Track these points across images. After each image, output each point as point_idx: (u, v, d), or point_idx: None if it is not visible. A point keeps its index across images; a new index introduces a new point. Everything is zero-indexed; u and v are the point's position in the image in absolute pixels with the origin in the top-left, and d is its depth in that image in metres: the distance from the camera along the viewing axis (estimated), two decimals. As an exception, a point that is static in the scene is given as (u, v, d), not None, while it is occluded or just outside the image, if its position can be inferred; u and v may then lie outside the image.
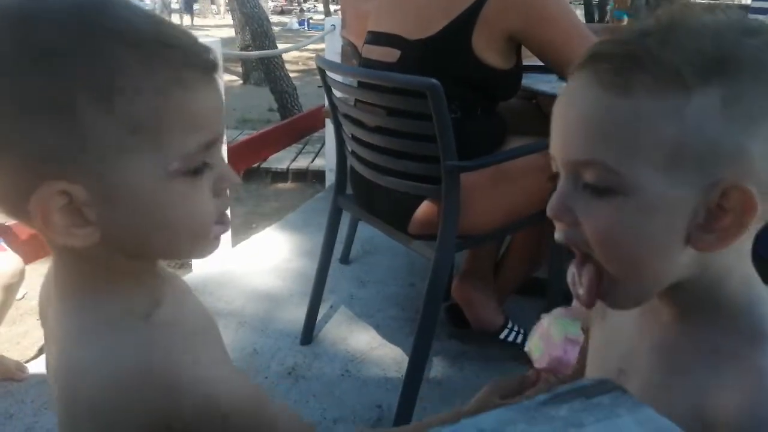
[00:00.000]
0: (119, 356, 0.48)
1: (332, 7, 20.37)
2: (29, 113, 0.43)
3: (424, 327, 1.43)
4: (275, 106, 5.86)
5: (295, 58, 9.66)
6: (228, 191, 0.53)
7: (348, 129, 1.60)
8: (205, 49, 0.49)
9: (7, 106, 0.43)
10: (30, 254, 1.73)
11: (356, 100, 1.56)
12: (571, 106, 0.50)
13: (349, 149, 1.63)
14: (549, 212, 0.52)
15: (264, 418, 0.60)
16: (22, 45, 0.42)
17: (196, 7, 18.90)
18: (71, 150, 0.44)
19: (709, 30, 0.46)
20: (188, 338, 0.53)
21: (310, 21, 17.19)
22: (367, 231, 2.37)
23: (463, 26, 1.34)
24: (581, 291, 0.54)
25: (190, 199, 0.49)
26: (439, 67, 1.35)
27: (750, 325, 0.49)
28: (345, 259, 2.35)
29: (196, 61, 0.47)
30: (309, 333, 1.83)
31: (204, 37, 2.21)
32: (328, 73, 1.61)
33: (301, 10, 20.20)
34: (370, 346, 1.81)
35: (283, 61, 5.73)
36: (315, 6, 25.00)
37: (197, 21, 17.82)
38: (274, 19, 18.31)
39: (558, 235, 0.53)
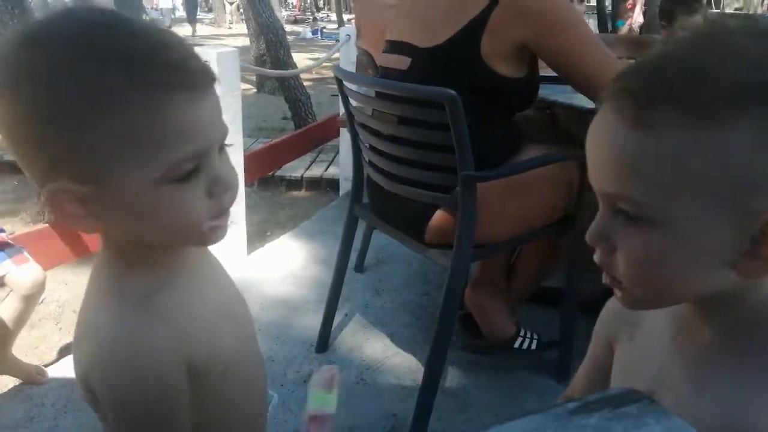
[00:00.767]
0: (107, 333, 0.56)
1: (345, 17, 20.53)
2: (44, 123, 0.50)
3: (440, 337, 1.43)
4: (289, 114, 5.90)
5: (305, 67, 9.72)
6: (226, 193, 0.57)
7: (365, 138, 1.61)
8: (200, 68, 0.53)
9: (28, 115, 0.50)
10: (47, 261, 1.76)
11: (374, 110, 1.58)
12: (599, 140, 0.50)
13: (366, 158, 1.65)
14: (588, 239, 0.53)
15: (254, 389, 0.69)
16: (38, 64, 0.49)
17: (210, 16, 19.10)
18: (73, 155, 0.51)
19: (741, 54, 0.44)
20: (185, 319, 0.59)
21: (324, 30, 17.31)
22: (381, 239, 2.39)
23: (471, 34, 1.34)
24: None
25: (177, 203, 0.53)
26: (448, 75, 1.36)
27: None
28: (359, 268, 2.36)
29: (186, 80, 0.52)
30: (324, 341, 1.84)
31: (220, 47, 2.24)
32: (345, 82, 1.63)
33: (314, 20, 20.36)
34: (384, 355, 1.82)
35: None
36: (328, 15, 25.19)
37: (211, 30, 18.00)
38: (287, 28, 18.34)
39: (596, 257, 0.54)
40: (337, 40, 3.32)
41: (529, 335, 1.74)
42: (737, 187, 0.44)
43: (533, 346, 1.72)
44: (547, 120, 2.03)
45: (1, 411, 1.57)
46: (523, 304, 1.83)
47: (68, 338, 2.16)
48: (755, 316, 0.51)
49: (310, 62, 6.99)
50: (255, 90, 8.37)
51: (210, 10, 20.80)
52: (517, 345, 1.74)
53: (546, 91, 1.72)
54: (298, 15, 23.17)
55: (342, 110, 3.32)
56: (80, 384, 0.57)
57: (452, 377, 1.70)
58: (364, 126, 1.60)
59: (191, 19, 17.46)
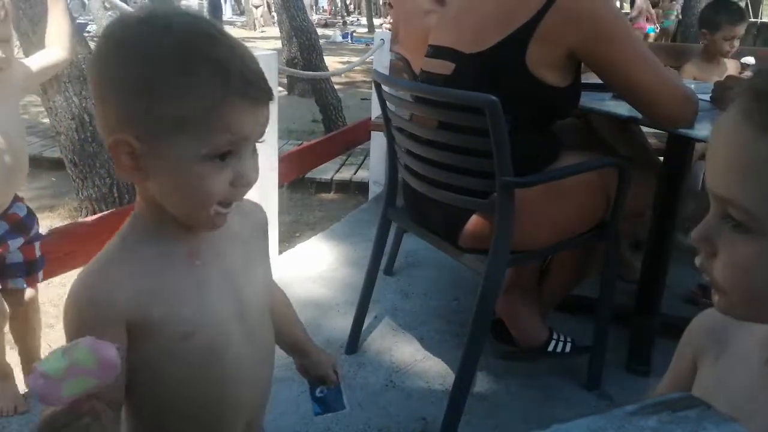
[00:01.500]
0: (86, 266, 0.68)
1: (376, 21, 20.62)
2: (138, 89, 0.62)
3: (472, 342, 1.44)
4: (319, 117, 5.96)
5: (338, 70, 9.79)
6: (245, 187, 0.67)
7: (401, 142, 1.63)
8: (266, 88, 0.65)
9: (127, 80, 0.63)
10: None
11: (412, 114, 1.59)
12: (720, 140, 0.50)
13: (402, 162, 1.66)
14: (692, 239, 0.52)
15: (225, 363, 0.73)
16: (153, 45, 0.62)
17: (242, 19, 19.37)
18: (142, 118, 0.62)
19: None
20: (146, 277, 0.68)
21: (354, 34, 17.41)
22: (411, 243, 2.40)
23: (518, 42, 1.35)
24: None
25: (208, 178, 0.64)
26: (492, 81, 1.37)
27: None
28: (389, 271, 2.37)
29: (253, 94, 0.64)
30: (354, 342, 1.85)
31: (254, 50, 2.28)
32: (383, 87, 1.65)
33: (345, 23, 20.47)
34: (414, 358, 1.83)
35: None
36: (358, 19, 25.34)
37: (243, 33, 18.24)
38: (317, 31, 18.59)
39: (697, 260, 0.53)
40: (367, 44, 3.35)
41: (562, 338, 1.74)
42: None
43: (567, 349, 1.71)
44: (583, 127, 2.02)
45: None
46: (551, 310, 1.82)
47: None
48: None
49: (341, 66, 7.05)
50: (286, 92, 8.47)
51: (242, 13, 21.08)
52: (550, 348, 1.73)
53: (584, 99, 1.72)
54: (329, 18, 23.35)
55: (374, 114, 3.38)
56: None
57: (482, 382, 1.70)
58: (400, 130, 1.61)
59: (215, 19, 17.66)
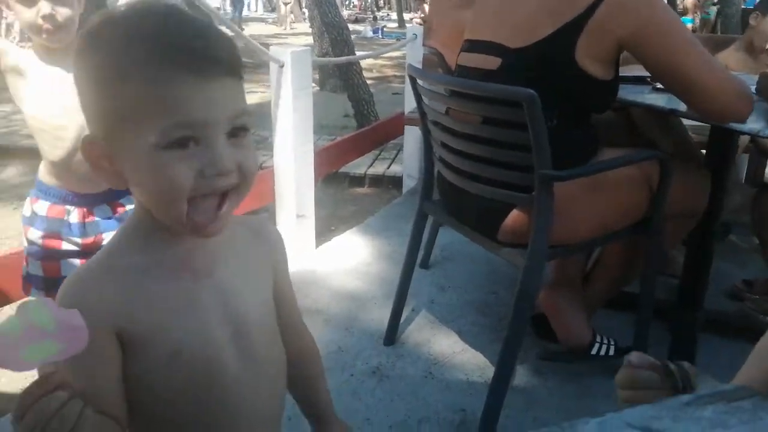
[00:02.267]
0: (75, 273, 0.66)
1: (406, 15, 20.54)
2: (92, 84, 0.61)
3: (512, 335, 1.44)
4: (351, 112, 5.99)
5: (369, 65, 9.82)
6: (220, 177, 0.61)
7: (437, 136, 1.63)
8: (212, 55, 0.59)
9: (88, 77, 0.61)
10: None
11: (448, 108, 1.60)
12: None
13: (438, 156, 1.67)
14: None
15: (217, 383, 0.69)
16: (102, 37, 0.60)
17: (273, 15, 19.53)
18: (101, 114, 0.61)
19: None
20: (133, 292, 0.64)
21: (384, 29, 17.39)
22: (446, 237, 2.41)
23: (567, 35, 1.34)
24: None
25: (165, 169, 0.59)
26: (539, 76, 1.36)
27: None
28: (425, 264, 2.38)
29: (191, 62, 0.58)
30: (392, 334, 1.88)
31: (285, 46, 2.31)
32: (419, 81, 1.65)
33: (375, 18, 20.46)
34: (452, 350, 1.84)
35: (361, 69, 5.86)
36: (389, 14, 25.29)
37: (274, 29, 18.38)
38: (348, 27, 18.61)
39: None
40: (398, 39, 3.35)
41: (606, 341, 1.71)
42: None
43: (611, 352, 1.69)
44: (622, 122, 1.99)
45: None
46: (598, 308, 1.80)
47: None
48: None
49: (372, 61, 7.06)
50: (317, 88, 8.52)
51: (273, 10, 21.26)
52: (594, 351, 1.70)
53: (622, 92, 1.70)
54: (359, 14, 23.37)
55: (407, 108, 3.38)
56: None
57: (521, 376, 1.70)
58: (436, 123, 1.62)
59: (236, 15, 17.84)
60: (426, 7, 3.96)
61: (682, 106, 1.46)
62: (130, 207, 1.48)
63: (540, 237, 1.37)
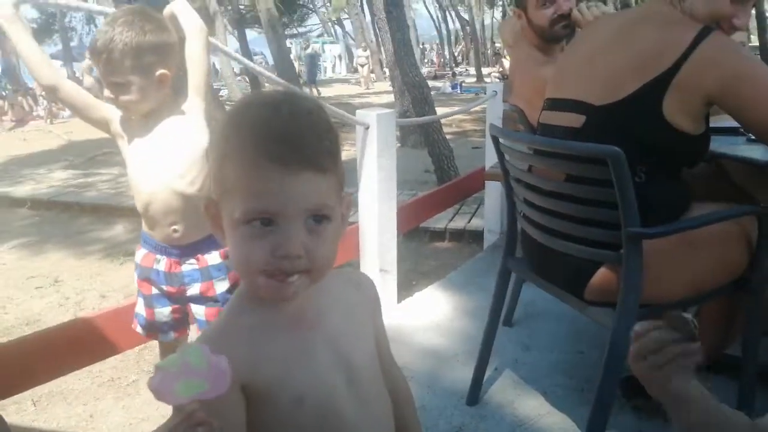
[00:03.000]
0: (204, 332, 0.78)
1: (484, 70, 20.84)
2: (210, 154, 0.73)
3: (601, 399, 1.39)
4: (431, 167, 6.08)
5: (449, 120, 9.97)
6: (285, 259, 0.66)
7: (520, 193, 1.64)
8: (298, 150, 0.65)
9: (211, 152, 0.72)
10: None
11: (530, 166, 1.61)
12: None
13: (521, 213, 1.67)
14: None
15: (336, 427, 0.73)
16: (222, 123, 0.71)
17: (357, 75, 20.40)
18: (214, 181, 0.70)
19: None
20: (254, 347, 0.70)
21: (463, 84, 17.68)
22: (529, 294, 2.36)
23: (654, 90, 1.33)
24: None
25: (243, 244, 0.66)
26: (626, 132, 1.36)
27: None
28: (508, 322, 2.34)
29: (276, 153, 0.64)
30: (475, 394, 1.84)
31: (369, 108, 2.41)
32: (501, 140, 1.68)
33: (453, 74, 20.85)
34: (537, 413, 1.78)
35: (441, 125, 5.97)
36: (467, 69, 25.74)
37: (357, 89, 19.14)
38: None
39: None
40: (477, 94, 3.42)
41: None
42: None
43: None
44: (715, 174, 1.92)
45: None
46: (700, 373, 1.70)
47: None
48: None
49: (457, 117, 7.18)
50: (399, 144, 8.73)
51: (356, 71, 22.24)
52: None
53: (714, 144, 1.65)
54: (438, 71, 23.92)
55: (488, 163, 3.41)
56: None
57: (612, 442, 1.62)
58: (518, 181, 1.63)
59: (311, 80, 18.57)
60: (504, 61, 4.01)
61: (779, 159, 1.41)
62: (211, 261, 1.58)
63: (630, 296, 1.33)
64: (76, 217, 5.79)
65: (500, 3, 27.77)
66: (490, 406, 1.83)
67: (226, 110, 0.73)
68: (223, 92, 14.01)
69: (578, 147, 1.37)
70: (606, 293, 1.41)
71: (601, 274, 1.41)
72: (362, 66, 20.91)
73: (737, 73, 1.31)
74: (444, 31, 32.89)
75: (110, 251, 4.55)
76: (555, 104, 1.56)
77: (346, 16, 27.49)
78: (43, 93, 14.18)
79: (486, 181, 3.46)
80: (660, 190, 1.41)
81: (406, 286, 3.25)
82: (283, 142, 0.64)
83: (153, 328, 1.65)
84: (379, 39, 8.74)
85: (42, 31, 27.24)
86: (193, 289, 1.58)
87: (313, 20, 35.48)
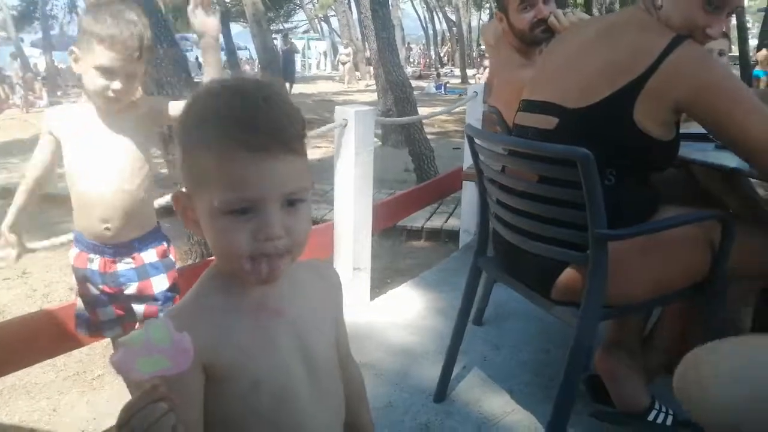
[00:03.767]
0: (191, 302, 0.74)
1: (469, 72, 20.91)
2: (179, 146, 0.71)
3: (563, 397, 1.41)
4: (411, 167, 6.10)
5: (431, 120, 10.01)
6: (268, 241, 0.67)
7: (493, 194, 1.66)
8: (273, 134, 0.66)
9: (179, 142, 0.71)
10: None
11: (504, 166, 1.62)
12: None
13: (493, 213, 1.68)
14: None
15: (290, 413, 0.74)
16: (187, 112, 0.71)
17: (340, 72, 20.32)
18: (184, 172, 0.70)
19: None
20: (216, 328, 0.71)
21: (447, 85, 17.73)
22: (501, 294, 2.38)
23: (626, 96, 1.35)
24: None
25: (224, 232, 0.67)
26: (597, 136, 1.38)
27: None
28: (478, 321, 2.36)
29: (251, 141, 0.65)
30: (443, 391, 1.86)
31: (351, 105, 2.42)
32: (476, 140, 1.69)
33: (438, 75, 20.89)
34: (503, 410, 1.80)
35: (422, 125, 5.98)
36: (452, 70, 25.82)
37: (340, 87, 19.09)
38: (412, 83, 19.11)
39: None
40: (460, 95, 3.44)
41: (665, 409, 1.64)
42: None
43: (668, 422, 1.61)
44: (686, 179, 1.95)
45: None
46: (661, 374, 1.73)
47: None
48: None
49: (442, 117, 7.22)
50: (380, 143, 8.73)
51: (355, 67, 22.15)
52: (651, 418, 1.63)
53: (685, 150, 1.68)
54: (423, 71, 23.95)
55: (466, 164, 3.43)
56: None
57: (574, 441, 1.64)
58: (492, 181, 1.65)
59: (287, 76, 18.07)
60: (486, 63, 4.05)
61: (746, 165, 1.43)
62: (148, 259, 1.57)
63: (594, 296, 1.35)
64: (48, 208, 5.68)
65: (487, 5, 27.91)
66: (457, 403, 1.84)
67: (192, 97, 0.72)
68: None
69: (548, 148, 1.39)
70: (572, 293, 1.42)
71: (568, 274, 1.43)
72: (344, 64, 20.83)
73: (706, 83, 1.33)
74: (430, 32, 32.94)
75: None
76: (529, 106, 1.58)
77: (333, 13, 27.42)
78: (20, 82, 14.01)
79: (463, 181, 3.48)
80: (629, 194, 1.43)
81: (381, 284, 3.25)
82: (257, 129, 0.65)
83: (97, 328, 1.63)
84: (365, 37, 8.74)
85: (22, 19, 26.69)
86: (131, 289, 1.57)
87: (300, 16, 35.31)
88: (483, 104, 3.14)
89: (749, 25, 20.59)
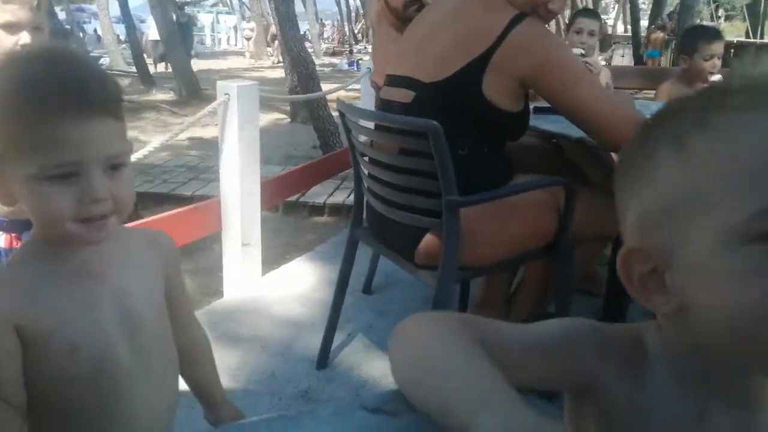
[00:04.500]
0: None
1: (381, 49, 20.81)
2: None
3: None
4: (318, 143, 6.08)
5: (335, 97, 9.99)
6: (94, 204, 0.68)
7: (364, 167, 1.72)
8: (85, 95, 0.66)
9: None
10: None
11: (371, 140, 1.69)
12: None
13: (366, 186, 1.75)
14: None
15: (111, 377, 0.75)
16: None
17: (253, 49, 19.73)
18: None
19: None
20: (31, 293, 0.71)
21: (359, 62, 17.70)
22: (389, 264, 2.46)
23: (475, 70, 1.44)
24: None
25: (44, 198, 0.67)
26: (450, 108, 1.46)
27: None
28: (367, 290, 2.44)
29: (65, 103, 0.65)
30: (325, 358, 1.92)
31: (243, 81, 2.40)
32: (347, 115, 1.74)
33: (351, 52, 20.79)
34: (382, 374, 1.89)
35: (326, 102, 5.97)
36: (366, 47, 25.74)
37: (251, 63, 18.56)
38: (325, 60, 18.90)
39: None
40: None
41: None
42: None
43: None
44: (549, 150, 2.10)
45: None
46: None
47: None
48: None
49: (344, 93, 7.21)
50: (289, 120, 8.64)
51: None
52: None
53: (539, 121, 1.81)
54: (336, 47, 23.76)
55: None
56: None
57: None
58: (363, 155, 1.71)
59: (186, 50, 16.50)
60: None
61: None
62: None
63: (449, 259, 1.45)
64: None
65: (399, -18, 27.84)
66: (339, 369, 1.92)
67: None
68: (104, 61, 13.13)
69: (404, 121, 1.46)
70: (431, 257, 1.52)
71: (427, 240, 1.52)
72: (248, 39, 20.14)
73: (544, 59, 1.44)
74: (344, 8, 32.60)
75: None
76: (392, 81, 1.64)
77: (242, -15, 26.46)
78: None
79: (359, 157, 3.54)
80: (481, 163, 1.53)
81: (280, 260, 3.27)
82: (72, 92, 0.65)
83: None
84: (272, 12, 8.53)
85: None
86: None
87: (208, -12, 33.87)
88: (369, 80, 3.19)
89: (642, 4, 21.85)
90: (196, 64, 12.59)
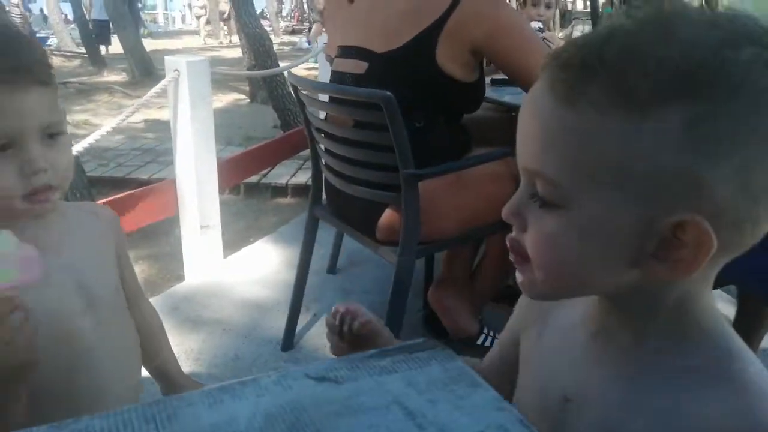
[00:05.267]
0: None
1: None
2: None
3: (390, 329, 1.49)
4: (279, 123, 5.98)
5: (300, 75, 9.83)
6: (36, 175, 0.67)
7: (321, 142, 1.68)
8: (11, 66, 0.65)
9: None
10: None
11: (327, 114, 1.65)
12: (527, 112, 0.48)
13: (323, 162, 1.71)
14: (502, 214, 0.52)
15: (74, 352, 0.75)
16: None
17: (209, 28, 19.19)
18: None
19: (684, 38, 0.41)
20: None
21: (319, 39, 17.42)
22: (353, 242, 2.44)
23: (427, 39, 1.41)
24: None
25: None
26: (404, 79, 1.43)
27: (719, 344, 0.48)
28: (332, 269, 2.42)
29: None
30: (289, 340, 1.90)
31: (192, 56, 2.32)
32: (300, 89, 1.70)
33: (310, 30, 20.43)
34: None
35: (285, 80, 5.86)
36: (325, 26, 25.31)
37: (210, 42, 18.10)
38: (285, 39, 18.53)
39: (508, 237, 0.52)
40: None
41: (492, 333, 1.80)
42: (653, 182, 0.42)
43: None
44: (506, 121, 2.09)
45: None
46: (487, 302, 1.88)
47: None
48: (673, 319, 0.48)
49: (304, 72, 7.09)
50: (248, 100, 8.47)
51: (209, 22, 20.92)
52: (480, 342, 1.79)
53: (497, 93, 1.80)
54: (296, 25, 23.31)
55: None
56: None
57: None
58: (319, 130, 1.67)
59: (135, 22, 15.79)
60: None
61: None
62: None
63: (408, 234, 1.43)
64: None
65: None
66: (304, 350, 1.90)
67: None
68: (52, 41, 12.62)
69: (356, 92, 1.42)
70: (392, 232, 1.50)
71: (387, 215, 1.50)
72: (199, 18, 19.53)
73: (498, 25, 1.42)
74: (302, -15, 31.96)
75: None
76: (343, 51, 1.60)
77: (196, -38, 25.63)
78: None
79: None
80: (438, 135, 1.51)
81: (243, 243, 3.21)
82: (5, 64, 0.64)
83: None
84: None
85: None
86: None
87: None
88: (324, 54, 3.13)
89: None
90: (150, 44, 12.16)
